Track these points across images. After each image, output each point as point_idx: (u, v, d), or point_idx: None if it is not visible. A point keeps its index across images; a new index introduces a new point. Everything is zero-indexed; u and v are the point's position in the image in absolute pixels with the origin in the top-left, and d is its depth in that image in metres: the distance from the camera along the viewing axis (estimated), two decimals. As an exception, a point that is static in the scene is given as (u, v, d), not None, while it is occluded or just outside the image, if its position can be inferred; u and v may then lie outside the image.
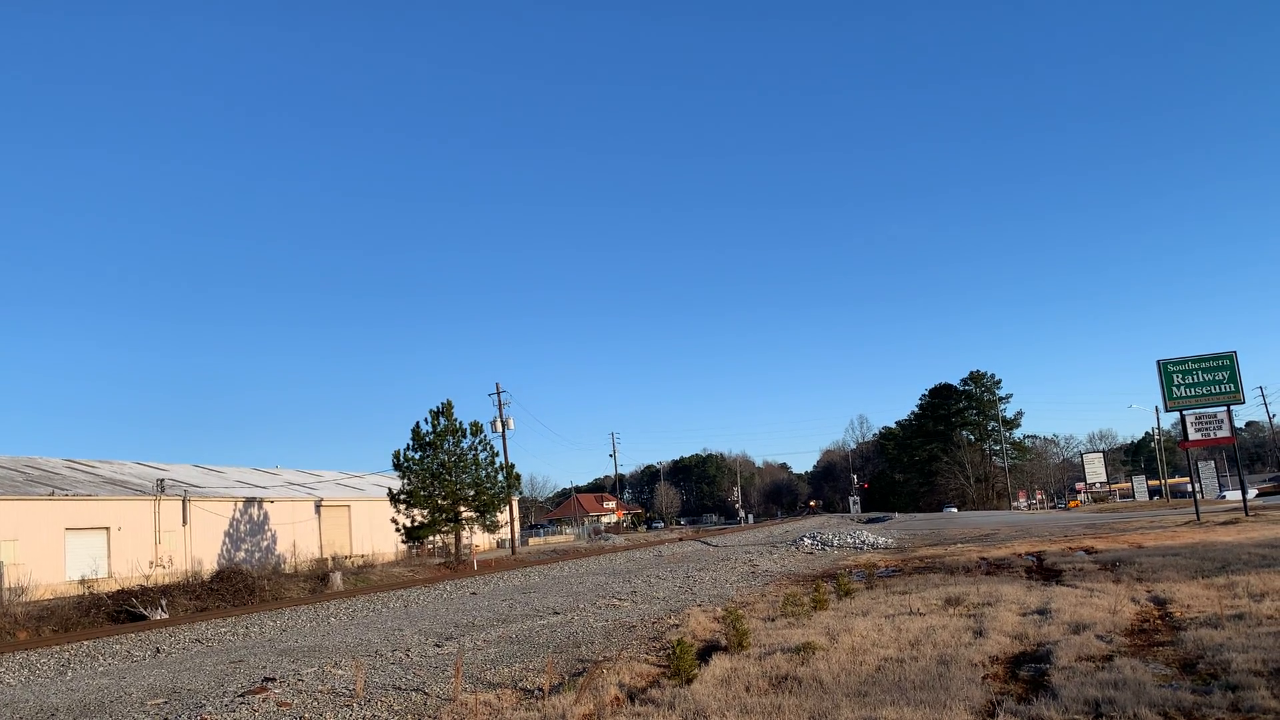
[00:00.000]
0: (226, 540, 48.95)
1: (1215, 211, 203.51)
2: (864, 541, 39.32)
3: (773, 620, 14.66)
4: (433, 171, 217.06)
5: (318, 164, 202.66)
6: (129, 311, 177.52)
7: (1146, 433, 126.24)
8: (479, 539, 57.11)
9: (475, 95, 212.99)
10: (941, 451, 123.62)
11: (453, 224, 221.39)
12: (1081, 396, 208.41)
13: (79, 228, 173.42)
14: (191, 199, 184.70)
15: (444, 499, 46.86)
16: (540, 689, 10.22)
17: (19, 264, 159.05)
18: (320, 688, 11.41)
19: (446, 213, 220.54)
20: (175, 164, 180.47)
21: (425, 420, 47.54)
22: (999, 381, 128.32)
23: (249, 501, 51.55)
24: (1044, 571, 20.75)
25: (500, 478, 49.69)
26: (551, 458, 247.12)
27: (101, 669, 16.64)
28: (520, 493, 77.35)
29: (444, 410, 47.96)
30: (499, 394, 60.14)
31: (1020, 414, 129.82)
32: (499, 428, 58.41)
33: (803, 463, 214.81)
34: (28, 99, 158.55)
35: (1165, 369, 39.30)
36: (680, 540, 63.28)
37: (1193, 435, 39.36)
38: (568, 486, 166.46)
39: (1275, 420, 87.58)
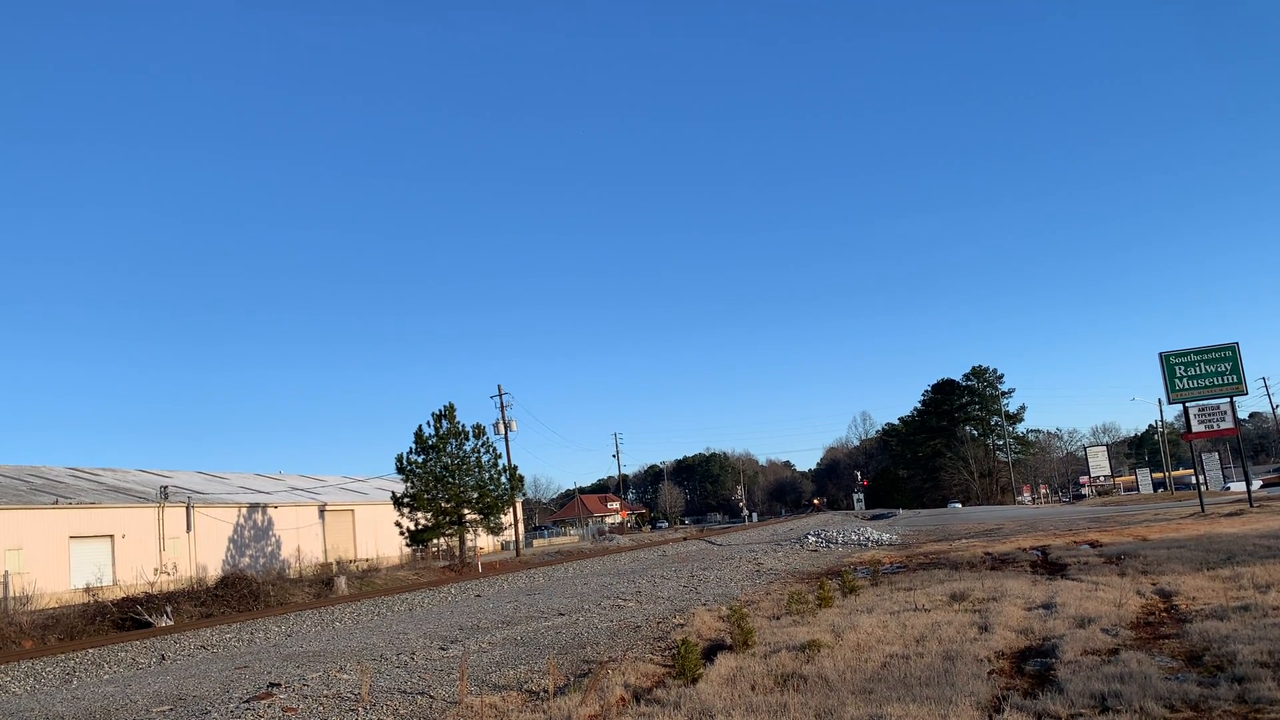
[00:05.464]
0: (231, 546, 48.97)
1: (1215, 200, 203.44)
2: (868, 538, 39.29)
3: (778, 618, 14.64)
4: (431, 170, 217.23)
5: (318, 164, 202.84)
6: (130, 318, 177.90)
7: (1150, 425, 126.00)
8: (483, 541, 57.09)
9: (472, 93, 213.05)
10: (945, 447, 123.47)
11: (452, 223, 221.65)
12: (1084, 390, 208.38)
13: (80, 230, 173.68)
14: (192, 200, 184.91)
15: (447, 502, 46.85)
16: (546, 691, 10.21)
17: (20, 267, 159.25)
18: (325, 693, 11.41)
19: (445, 212, 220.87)
20: (176, 164, 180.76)
21: (428, 423, 47.61)
22: (1001, 376, 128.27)
23: (253, 507, 51.56)
24: (1049, 566, 20.72)
25: (504, 480, 49.65)
26: (555, 459, 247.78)
27: (107, 677, 16.65)
28: (524, 494, 77.34)
29: (446, 413, 47.97)
30: (501, 396, 60.19)
31: (1023, 408, 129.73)
32: (501, 430, 58.39)
33: (806, 460, 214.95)
34: (24, 95, 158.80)
35: (1167, 361, 39.23)
36: (684, 540, 63.28)
37: (1196, 427, 39.28)
38: (571, 488, 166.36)
39: (1278, 411, 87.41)
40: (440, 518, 46.78)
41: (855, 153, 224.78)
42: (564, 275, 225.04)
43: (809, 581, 22.15)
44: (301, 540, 53.48)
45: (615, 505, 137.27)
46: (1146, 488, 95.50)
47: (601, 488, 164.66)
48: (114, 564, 42.29)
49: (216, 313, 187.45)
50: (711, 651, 11.55)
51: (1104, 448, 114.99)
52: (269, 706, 10.67)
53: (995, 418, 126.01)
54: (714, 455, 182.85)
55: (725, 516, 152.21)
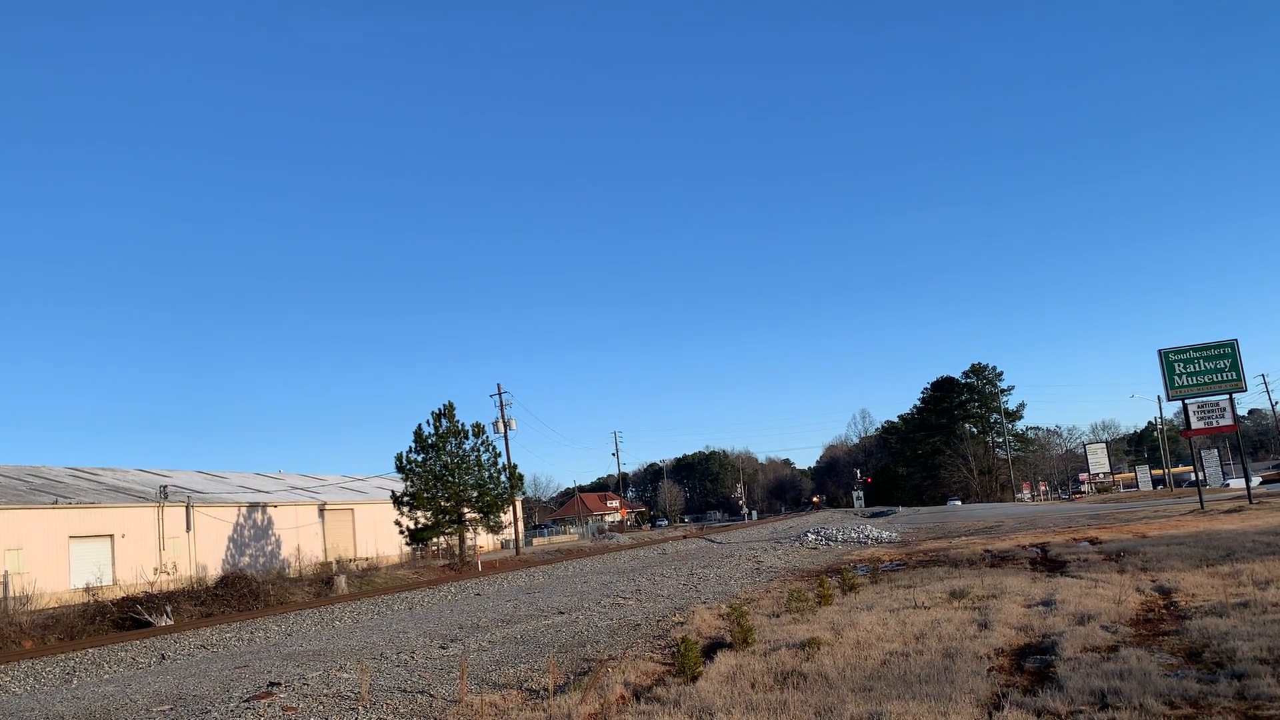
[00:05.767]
0: (231, 545, 48.97)
1: (1215, 195, 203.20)
2: (868, 536, 39.30)
3: (778, 616, 14.65)
4: (431, 169, 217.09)
5: (318, 163, 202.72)
6: (130, 317, 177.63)
7: (1149, 422, 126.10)
8: (483, 540, 57.12)
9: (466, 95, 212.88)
10: (944, 445, 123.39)
11: (451, 222, 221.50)
12: (1083, 387, 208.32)
13: (80, 230, 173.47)
14: (192, 200, 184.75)
15: (447, 500, 46.87)
16: (546, 689, 10.21)
17: (20, 267, 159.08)
18: (325, 692, 11.40)
19: (444, 211, 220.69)
20: (176, 164, 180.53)
21: (427, 422, 47.60)
22: (1000, 374, 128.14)
23: (253, 506, 51.57)
24: (1048, 563, 20.73)
25: (503, 478, 49.67)
26: (554, 457, 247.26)
27: (107, 676, 16.65)
28: (523, 493, 77.40)
29: (446, 412, 47.97)
30: (500, 394, 60.19)
31: (1023, 406, 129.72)
32: (501, 428, 58.41)
33: (806, 458, 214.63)
34: (24, 95, 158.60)
35: (1167, 358, 39.25)
36: (684, 538, 63.30)
37: (1195, 424, 39.30)
38: (571, 486, 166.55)
39: (1278, 407, 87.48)
40: (440, 516, 46.79)
41: (855, 149, 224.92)
42: (564, 274, 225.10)
43: (809, 579, 22.16)
44: (301, 539, 53.48)
45: (615, 503, 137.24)
46: (1146, 485, 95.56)
47: (601, 486, 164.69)
48: (114, 564, 42.29)
49: (217, 312, 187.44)
50: (711, 649, 11.55)
51: (1103, 445, 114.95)
52: (269, 706, 10.66)
53: (995, 415, 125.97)
54: (713, 453, 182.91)
55: (725, 514, 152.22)
